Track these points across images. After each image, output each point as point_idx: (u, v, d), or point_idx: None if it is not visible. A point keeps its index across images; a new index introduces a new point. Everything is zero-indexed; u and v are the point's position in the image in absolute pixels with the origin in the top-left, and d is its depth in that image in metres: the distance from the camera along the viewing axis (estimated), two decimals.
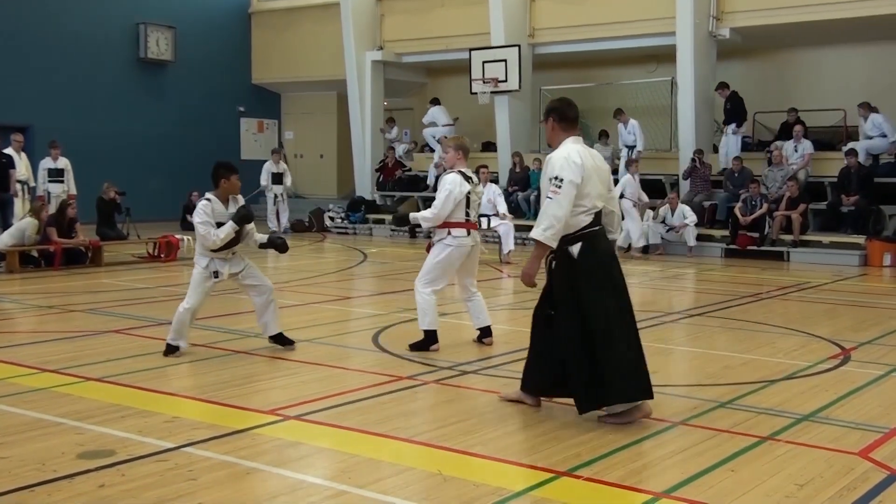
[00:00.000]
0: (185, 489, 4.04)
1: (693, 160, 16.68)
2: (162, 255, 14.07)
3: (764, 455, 4.62)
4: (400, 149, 21.64)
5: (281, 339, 7.13)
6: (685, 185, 17.06)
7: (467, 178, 7.12)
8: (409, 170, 21.32)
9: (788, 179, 15.48)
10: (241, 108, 24.88)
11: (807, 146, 16.19)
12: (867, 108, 15.90)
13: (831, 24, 16.27)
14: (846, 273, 13.40)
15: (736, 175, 16.24)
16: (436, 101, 21.02)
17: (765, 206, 15.38)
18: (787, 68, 18.48)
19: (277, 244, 7.19)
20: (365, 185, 21.76)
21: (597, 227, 5.24)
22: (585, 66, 20.20)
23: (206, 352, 7.05)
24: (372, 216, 20.58)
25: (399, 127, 22.26)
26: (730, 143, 16.97)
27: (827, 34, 17.27)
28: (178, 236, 14.63)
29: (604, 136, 17.85)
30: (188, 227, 19.49)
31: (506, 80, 18.90)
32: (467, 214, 7.11)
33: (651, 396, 5.12)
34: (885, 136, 15.72)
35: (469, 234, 7.15)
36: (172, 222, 19.74)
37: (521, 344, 7.07)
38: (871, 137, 15.80)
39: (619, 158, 17.51)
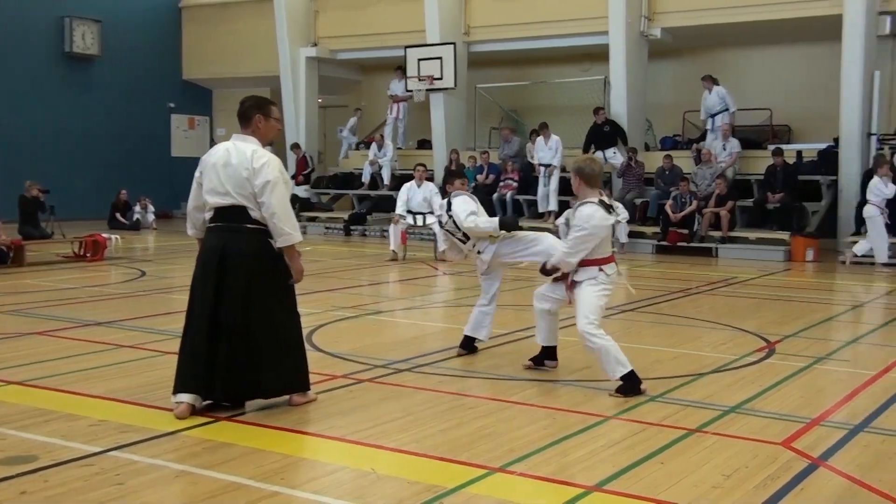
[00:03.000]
0: (112, 494, 3.95)
1: (628, 158, 16.93)
2: (88, 255, 13.73)
3: (692, 447, 4.71)
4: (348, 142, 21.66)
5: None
6: (618, 183, 17.30)
7: (609, 210, 6.13)
8: (313, 170, 21.13)
9: (717, 177, 15.81)
10: (172, 105, 24.45)
11: (734, 144, 16.57)
12: (710, 80, 16.67)
13: (758, 25, 16.66)
14: (771, 268, 13.74)
15: (667, 173, 16.53)
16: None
17: (694, 203, 15.68)
18: (716, 68, 18.82)
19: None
20: (309, 184, 21.58)
21: None
22: (520, 64, 20.34)
23: (135, 353, 6.91)
24: (306, 214, 20.41)
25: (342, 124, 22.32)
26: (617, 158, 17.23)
27: (754, 35, 17.68)
28: (105, 235, 14.30)
29: (534, 133, 17.94)
30: (117, 226, 19.22)
31: (441, 78, 18.92)
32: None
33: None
34: (726, 109, 16.48)
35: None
36: (100, 221, 19.32)
37: (456, 341, 7.10)
38: (716, 113, 16.61)
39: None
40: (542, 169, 17.25)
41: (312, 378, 5.53)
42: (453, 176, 7.52)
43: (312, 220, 20.22)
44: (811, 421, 5.21)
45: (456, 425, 5.08)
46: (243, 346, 5.13)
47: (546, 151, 17.40)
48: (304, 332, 7.85)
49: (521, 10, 18.50)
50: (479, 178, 18.32)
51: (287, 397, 5.40)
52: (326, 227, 19.76)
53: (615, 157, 17.15)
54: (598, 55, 18.15)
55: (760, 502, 3.94)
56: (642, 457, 4.51)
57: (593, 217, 5.90)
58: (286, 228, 5.08)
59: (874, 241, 13.60)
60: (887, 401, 5.65)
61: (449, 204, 7.02)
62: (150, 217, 20.59)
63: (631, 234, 15.96)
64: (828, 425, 5.14)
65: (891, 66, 17.08)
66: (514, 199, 17.82)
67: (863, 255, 13.86)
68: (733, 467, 4.37)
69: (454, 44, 18.83)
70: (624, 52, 17.19)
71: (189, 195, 5.40)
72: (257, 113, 5.26)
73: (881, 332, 8.30)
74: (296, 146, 20.99)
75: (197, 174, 5.29)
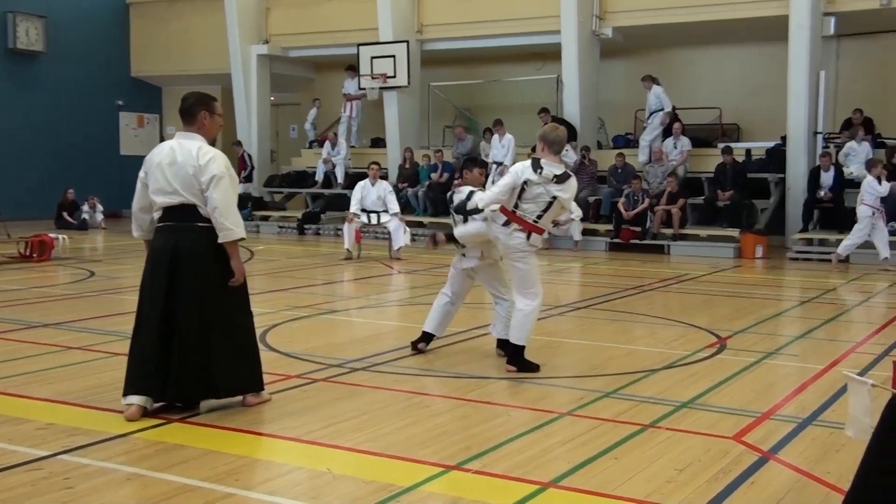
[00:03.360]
0: (62, 498, 3.87)
1: (582, 156, 17.05)
2: (35, 255, 13.44)
3: (646, 442, 4.76)
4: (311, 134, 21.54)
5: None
6: None
7: (536, 168, 6.30)
8: (253, 168, 20.91)
9: (668, 175, 16.01)
10: (120, 102, 24.04)
11: (685, 143, 16.79)
12: (650, 80, 16.92)
13: (707, 25, 16.89)
14: (722, 265, 13.95)
15: (619, 171, 16.69)
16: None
17: (646, 201, 15.86)
18: (666, 68, 19.08)
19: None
20: (251, 182, 21.39)
21: None
22: (474, 62, 20.39)
23: (84, 355, 6.78)
24: (259, 213, 20.25)
25: (295, 123, 22.14)
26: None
27: (703, 35, 17.92)
28: (52, 235, 14.01)
29: (488, 132, 17.98)
30: (64, 226, 18.87)
31: (394, 76, 18.88)
32: (515, 205, 6.38)
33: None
34: (661, 109, 16.76)
35: (506, 223, 6.40)
36: (47, 221, 18.95)
37: (411, 340, 7.08)
38: (653, 112, 16.89)
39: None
40: (495, 167, 17.28)
41: (266, 378, 5.48)
42: (474, 164, 7.21)
43: (265, 219, 20.07)
44: (761, 415, 5.29)
45: (411, 424, 5.07)
46: (197, 346, 5.07)
47: (499, 149, 17.45)
48: (258, 331, 7.78)
49: (473, 9, 18.54)
50: (434, 176, 18.33)
51: (241, 398, 5.34)
52: (280, 227, 19.61)
53: (567, 154, 17.24)
54: (551, 54, 18.27)
55: (713, 495, 3.99)
56: (597, 453, 4.54)
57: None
58: (227, 224, 5.01)
59: (875, 239, 13.51)
60: (834, 394, 5.76)
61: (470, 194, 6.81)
62: (99, 217, 20.25)
63: (584, 232, 16.08)
64: (777, 419, 5.23)
65: (835, 66, 17.46)
66: None
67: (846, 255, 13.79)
68: (686, 462, 4.43)
69: (407, 42, 18.81)
70: (576, 52, 17.31)
71: (134, 197, 5.32)
72: (202, 109, 5.18)
73: (828, 327, 8.47)
74: (237, 143, 20.72)
75: (141, 174, 5.20)
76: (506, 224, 6.31)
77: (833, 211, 14.99)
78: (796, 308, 10.14)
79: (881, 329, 8.26)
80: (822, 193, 14.91)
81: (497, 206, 6.30)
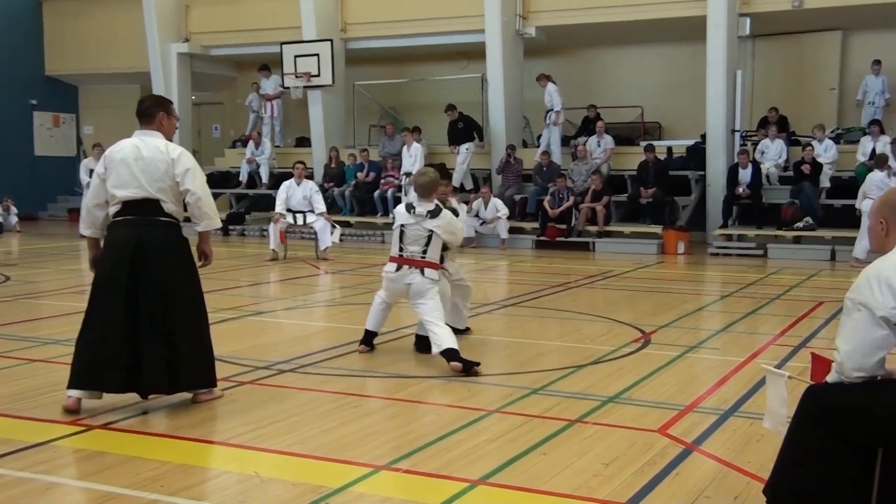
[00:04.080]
0: None
1: (507, 154, 17.18)
2: None
3: (573, 437, 4.81)
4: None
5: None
6: (497, 180, 17.54)
7: (409, 209, 6.67)
8: None
9: (592, 173, 16.23)
10: (34, 102, 23.30)
11: (608, 141, 17.05)
12: (544, 78, 17.22)
13: (627, 25, 17.17)
14: (645, 261, 14.21)
15: (544, 169, 16.86)
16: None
17: (571, 199, 16.05)
18: (589, 67, 19.35)
19: None
20: None
21: None
22: (399, 61, 20.35)
23: (1, 361, 6.55)
24: (182, 214, 19.84)
25: (220, 123, 21.72)
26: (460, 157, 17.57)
27: (624, 35, 18.21)
28: None
29: (416, 130, 18.02)
30: None
31: (318, 75, 18.73)
32: (400, 249, 6.65)
33: None
34: (551, 109, 17.14)
35: (398, 269, 6.64)
36: None
37: (339, 340, 7.04)
38: (548, 111, 17.26)
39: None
40: (404, 178, 17.27)
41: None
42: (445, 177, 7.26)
43: (188, 220, 19.66)
44: (685, 408, 5.40)
45: (340, 424, 5.04)
46: (164, 339, 5.13)
47: (408, 159, 17.51)
48: None
49: (397, 8, 18.51)
50: (360, 175, 18.25)
51: (190, 395, 5.35)
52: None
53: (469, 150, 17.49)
54: (475, 53, 18.36)
55: (639, 488, 4.06)
56: (525, 449, 4.58)
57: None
58: (209, 212, 5.38)
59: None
60: (754, 386, 5.91)
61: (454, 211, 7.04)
62: (13, 219, 19.60)
63: (511, 230, 16.20)
64: (700, 411, 5.35)
65: (751, 65, 17.93)
66: (395, 197, 17.83)
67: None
68: (612, 455, 4.49)
69: (331, 40, 18.67)
70: (500, 51, 17.42)
71: (87, 194, 5.48)
72: (161, 111, 5.37)
73: (747, 321, 8.69)
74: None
75: (100, 170, 5.30)
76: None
77: (751, 207, 15.40)
78: (717, 302, 10.40)
79: (798, 321, 8.52)
80: (740, 190, 15.30)
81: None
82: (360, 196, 18.01)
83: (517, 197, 17.06)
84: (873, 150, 15.08)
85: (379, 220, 17.70)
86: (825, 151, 15.59)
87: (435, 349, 6.33)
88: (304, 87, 18.95)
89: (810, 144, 15.46)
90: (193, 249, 5.49)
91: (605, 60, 19.41)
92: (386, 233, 17.33)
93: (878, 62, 16.41)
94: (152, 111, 5.34)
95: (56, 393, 5.70)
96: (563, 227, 16.04)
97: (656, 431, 4.91)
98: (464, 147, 17.44)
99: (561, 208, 16.05)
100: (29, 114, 23.28)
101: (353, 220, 17.95)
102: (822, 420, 3.24)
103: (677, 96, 18.21)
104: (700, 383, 6.16)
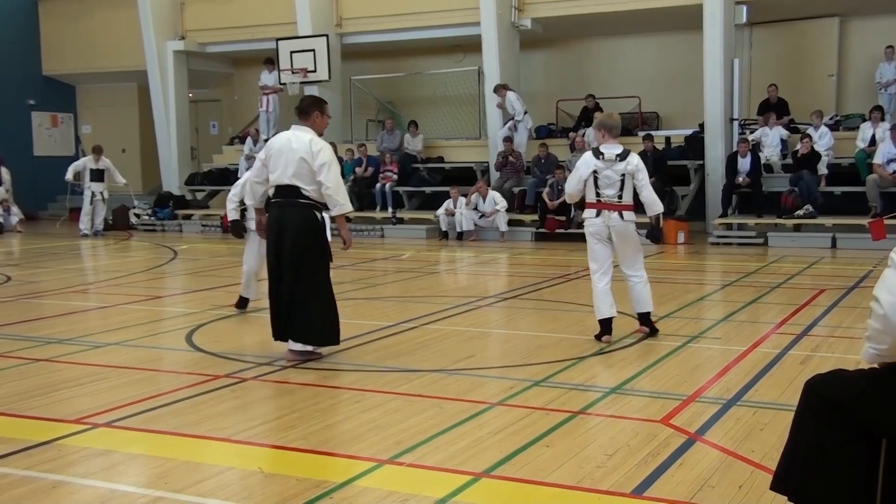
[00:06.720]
0: None
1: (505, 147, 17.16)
2: None
3: (576, 429, 4.82)
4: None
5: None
6: (496, 173, 17.53)
7: (598, 155, 7.03)
8: None
9: None
10: (32, 102, 23.28)
11: None
12: (503, 88, 17.16)
13: (623, 15, 17.13)
14: (645, 251, 14.13)
15: (542, 161, 16.84)
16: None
17: None
18: (586, 57, 19.32)
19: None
20: (172, 180, 20.98)
21: None
22: (395, 55, 20.33)
23: (4, 362, 6.56)
24: (181, 212, 19.86)
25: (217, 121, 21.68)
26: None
27: (621, 25, 18.18)
28: None
29: (412, 125, 18.02)
30: None
31: (315, 71, 18.71)
32: (597, 195, 6.97)
33: None
34: (513, 117, 17.18)
35: (598, 214, 7.02)
36: None
37: (340, 335, 7.01)
38: (511, 118, 17.26)
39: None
40: None
41: (194, 379, 5.41)
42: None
43: (188, 217, 19.70)
44: (688, 398, 5.41)
45: (343, 419, 5.04)
46: (288, 294, 6.23)
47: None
48: (184, 332, 7.69)
49: (392, 2, 18.48)
50: (358, 170, 18.24)
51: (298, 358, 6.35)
52: (203, 225, 19.28)
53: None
54: (472, 46, 18.34)
55: (642, 478, 4.06)
56: (528, 441, 4.59)
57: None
58: (340, 199, 6.32)
59: None
60: (756, 375, 5.92)
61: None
62: (14, 219, 19.59)
63: (510, 223, 16.19)
64: (703, 401, 5.35)
65: (748, 54, 17.91)
66: (393, 191, 17.83)
67: None
68: (616, 446, 4.50)
69: (327, 36, 18.64)
70: (496, 43, 17.40)
71: (251, 171, 6.70)
72: (316, 110, 6.46)
73: (749, 310, 8.69)
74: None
75: (262, 156, 6.48)
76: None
77: (751, 196, 15.39)
78: (718, 291, 10.40)
79: (800, 309, 8.52)
80: (740, 179, 15.29)
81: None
82: (358, 191, 18.01)
83: (516, 189, 17.05)
84: (873, 136, 15.06)
85: (378, 214, 17.69)
86: (820, 139, 15.55)
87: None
88: (301, 82, 18.92)
89: (807, 134, 15.39)
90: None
91: (601, 51, 19.37)
92: (385, 227, 17.34)
93: (890, 47, 16.16)
94: (309, 110, 6.42)
95: (58, 392, 5.72)
96: (563, 218, 16.02)
97: (659, 422, 4.91)
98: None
99: (560, 199, 16.03)
100: (27, 114, 23.26)
101: (351, 214, 17.91)
102: (824, 412, 3.24)
103: (675, 86, 18.19)
104: (702, 373, 6.17)
